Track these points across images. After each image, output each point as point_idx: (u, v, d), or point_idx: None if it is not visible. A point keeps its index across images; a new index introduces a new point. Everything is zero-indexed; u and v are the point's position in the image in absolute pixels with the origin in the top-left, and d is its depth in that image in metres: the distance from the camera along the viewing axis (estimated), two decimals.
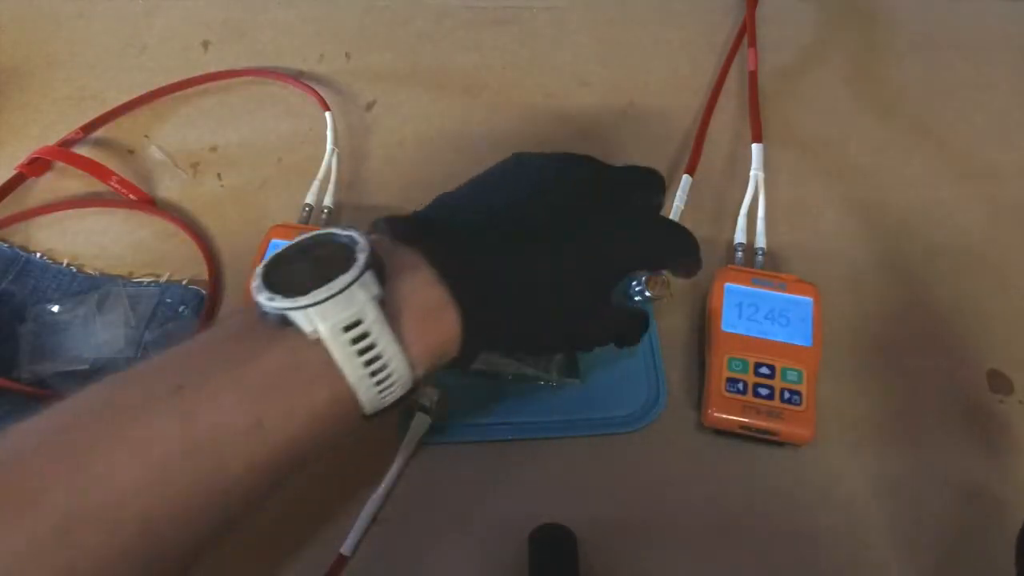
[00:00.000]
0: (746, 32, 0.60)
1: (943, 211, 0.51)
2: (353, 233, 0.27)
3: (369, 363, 0.26)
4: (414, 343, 0.27)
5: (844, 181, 0.52)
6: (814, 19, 0.63)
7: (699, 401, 0.42)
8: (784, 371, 0.40)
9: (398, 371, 0.27)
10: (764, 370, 0.40)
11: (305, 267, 0.27)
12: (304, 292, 0.25)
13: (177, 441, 0.23)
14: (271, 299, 0.25)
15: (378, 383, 0.26)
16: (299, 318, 0.25)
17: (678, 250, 0.36)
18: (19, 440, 0.23)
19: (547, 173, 0.34)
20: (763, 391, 0.39)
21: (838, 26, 0.62)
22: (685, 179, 0.49)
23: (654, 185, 0.37)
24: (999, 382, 0.44)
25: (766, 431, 0.39)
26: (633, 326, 0.37)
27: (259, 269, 0.26)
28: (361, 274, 0.25)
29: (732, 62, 0.58)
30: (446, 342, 0.29)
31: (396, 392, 0.28)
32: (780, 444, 0.40)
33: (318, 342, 0.25)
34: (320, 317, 0.25)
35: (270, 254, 0.28)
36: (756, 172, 0.49)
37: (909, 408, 0.42)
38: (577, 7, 0.63)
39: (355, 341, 0.25)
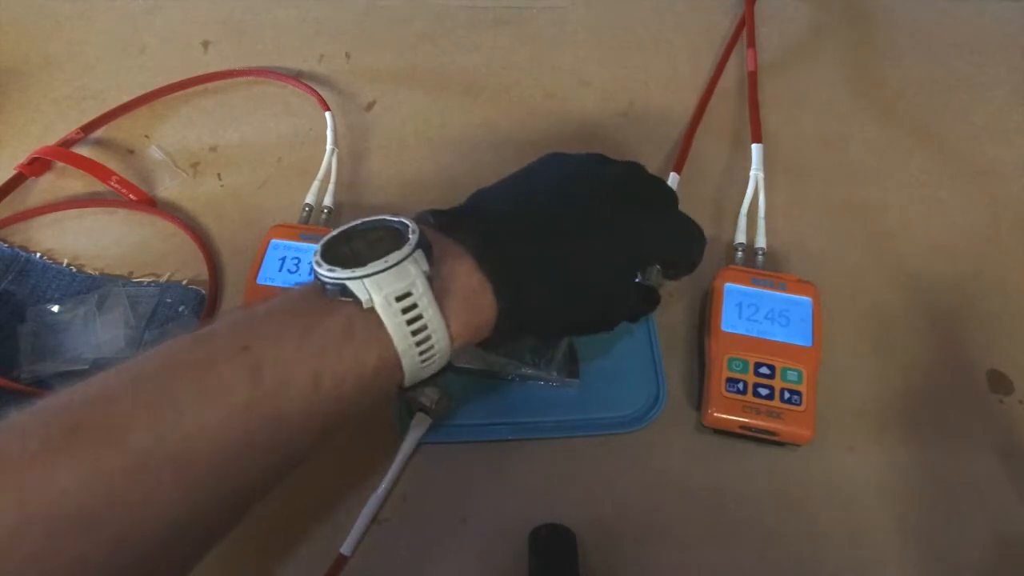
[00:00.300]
0: (744, 32, 0.60)
1: (943, 211, 0.51)
2: (404, 219, 0.30)
3: (416, 332, 0.28)
4: (455, 320, 0.30)
5: (844, 181, 0.52)
6: (814, 19, 0.63)
7: (699, 401, 0.42)
8: (784, 371, 0.40)
9: (440, 343, 0.29)
10: (764, 370, 0.40)
11: (362, 245, 0.30)
12: (362, 265, 0.28)
13: (245, 392, 0.25)
14: (332, 271, 0.28)
15: (421, 353, 0.29)
16: (356, 288, 0.28)
17: (694, 243, 0.39)
18: (105, 383, 0.25)
19: (579, 168, 0.37)
20: (763, 391, 0.40)
21: (838, 26, 0.63)
22: (672, 176, 0.50)
23: (672, 189, 0.40)
24: (999, 382, 0.44)
25: (766, 431, 0.39)
26: (648, 302, 0.39)
27: (319, 246, 0.29)
28: (413, 251, 0.28)
29: (727, 61, 0.58)
30: (482, 323, 0.31)
31: (435, 364, 0.30)
32: (780, 444, 0.40)
33: (372, 311, 0.28)
34: (375, 287, 0.28)
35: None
36: (756, 172, 0.49)
37: (909, 408, 0.42)
38: (577, 7, 0.63)
39: (405, 311, 0.28)
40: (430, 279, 0.29)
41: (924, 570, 0.38)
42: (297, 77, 0.56)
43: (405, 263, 0.28)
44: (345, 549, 0.36)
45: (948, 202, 0.51)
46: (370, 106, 0.56)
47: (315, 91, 0.54)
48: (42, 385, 0.41)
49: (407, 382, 0.30)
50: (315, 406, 0.27)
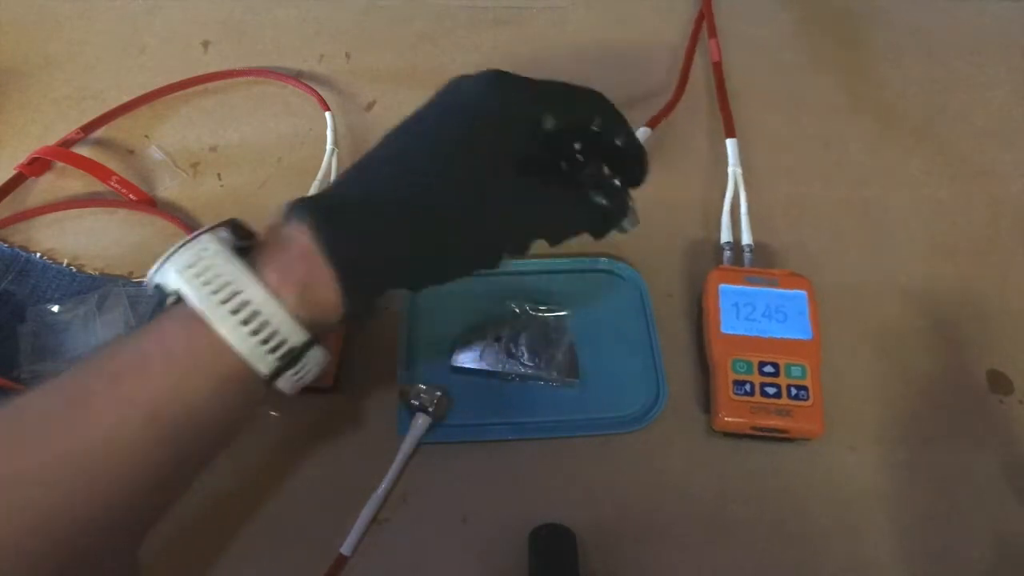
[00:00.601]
0: (704, 22, 0.60)
1: (943, 211, 0.51)
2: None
3: (217, 291, 0.27)
4: (285, 288, 0.28)
5: (844, 181, 0.52)
6: (814, 19, 0.63)
7: (699, 401, 0.42)
8: (788, 367, 0.40)
9: (266, 312, 0.27)
10: (768, 368, 0.40)
11: None
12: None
13: (111, 412, 0.26)
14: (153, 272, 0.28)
15: (244, 322, 0.27)
16: (161, 279, 0.28)
17: (591, 223, 0.35)
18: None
19: (460, 130, 0.32)
20: (770, 390, 0.40)
21: (838, 26, 0.63)
22: (643, 131, 0.50)
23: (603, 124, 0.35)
24: (999, 382, 0.44)
25: (777, 430, 0.39)
26: (607, 216, 0.35)
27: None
28: (211, 228, 0.28)
29: (694, 52, 0.59)
30: (321, 284, 0.29)
31: (279, 337, 0.28)
32: (790, 440, 0.40)
33: (177, 299, 0.28)
34: (171, 265, 0.28)
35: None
36: (734, 168, 0.50)
37: (909, 408, 0.42)
38: (577, 7, 0.63)
39: (200, 275, 0.27)
40: (245, 248, 0.29)
41: (924, 569, 0.38)
42: (297, 77, 0.56)
43: (200, 237, 0.28)
44: (345, 549, 0.36)
45: (948, 202, 0.51)
46: (370, 106, 0.56)
47: (315, 91, 0.54)
48: None
49: (250, 357, 0.27)
50: (145, 394, 0.27)
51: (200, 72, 0.56)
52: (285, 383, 0.30)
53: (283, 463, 0.40)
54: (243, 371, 0.28)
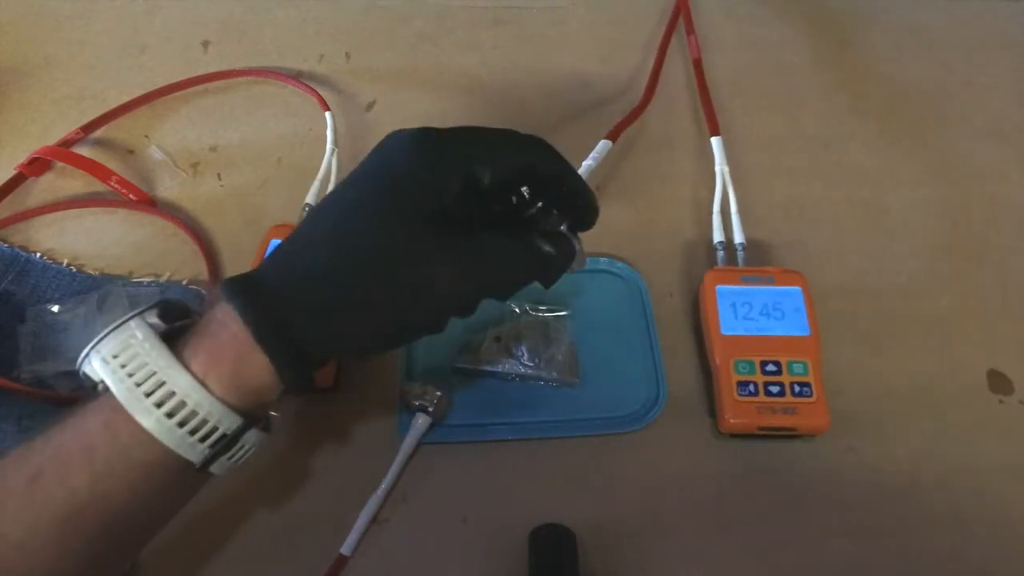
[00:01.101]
0: (680, 18, 0.60)
1: (943, 211, 0.51)
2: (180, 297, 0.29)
3: (141, 383, 0.27)
4: (213, 375, 0.28)
5: (844, 181, 0.52)
6: (814, 20, 0.63)
7: (700, 400, 0.42)
8: (790, 365, 0.40)
9: (193, 400, 0.27)
10: (771, 367, 0.40)
11: None
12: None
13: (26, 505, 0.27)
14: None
15: (169, 414, 0.27)
16: (87, 368, 0.28)
17: (536, 274, 0.34)
18: None
19: (382, 195, 0.30)
20: (774, 389, 0.40)
21: (838, 26, 0.63)
22: (603, 143, 0.49)
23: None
24: (999, 382, 0.44)
25: (784, 428, 0.39)
26: (551, 263, 0.34)
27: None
28: (142, 312, 0.28)
29: (667, 48, 0.59)
30: (255, 371, 0.28)
31: (210, 425, 0.28)
32: (796, 438, 0.41)
33: (105, 387, 0.27)
34: (97, 353, 0.28)
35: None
36: (720, 167, 0.50)
37: (909, 408, 0.42)
38: (577, 7, 0.63)
39: (124, 365, 0.27)
40: (181, 329, 0.29)
41: (924, 569, 0.38)
42: (297, 77, 0.56)
43: (128, 322, 0.28)
44: (345, 549, 0.36)
45: (948, 202, 0.51)
46: (370, 106, 0.56)
47: (315, 91, 0.54)
48: (42, 385, 0.41)
49: (175, 445, 0.27)
50: (53, 499, 0.26)
51: (200, 72, 0.56)
52: (220, 468, 0.29)
53: (283, 463, 0.40)
54: (172, 461, 0.28)
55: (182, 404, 0.27)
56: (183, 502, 0.31)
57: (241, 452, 0.30)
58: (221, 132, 0.54)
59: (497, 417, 0.41)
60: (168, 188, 0.51)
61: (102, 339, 0.28)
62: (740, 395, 0.40)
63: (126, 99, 0.54)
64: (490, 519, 0.38)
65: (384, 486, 0.38)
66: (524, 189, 0.34)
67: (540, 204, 0.34)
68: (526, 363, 0.42)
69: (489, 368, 0.42)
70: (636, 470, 0.40)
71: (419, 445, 0.40)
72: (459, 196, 0.31)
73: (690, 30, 0.60)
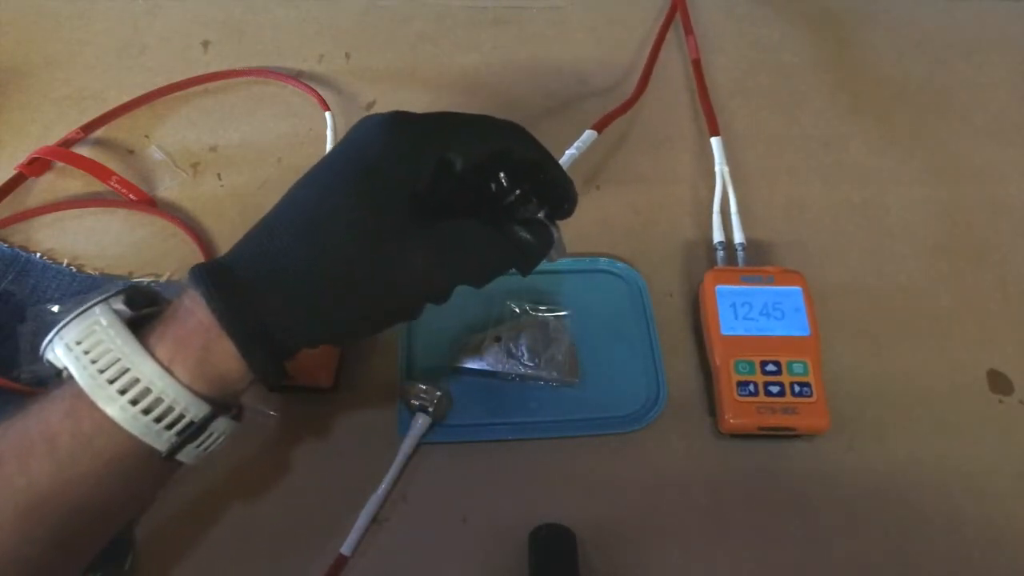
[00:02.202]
0: (676, 18, 0.60)
1: (943, 211, 0.51)
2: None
3: (105, 369, 0.26)
4: (179, 362, 0.27)
5: (844, 181, 0.52)
6: (815, 20, 0.63)
7: (700, 400, 0.42)
8: (790, 364, 0.40)
9: (158, 388, 0.27)
10: (771, 367, 0.40)
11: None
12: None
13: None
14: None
15: (133, 401, 0.26)
16: (51, 355, 0.27)
17: (512, 261, 0.33)
18: None
19: (353, 180, 0.30)
20: (774, 389, 0.40)
21: (839, 26, 0.63)
22: (588, 133, 0.49)
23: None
24: (999, 382, 0.44)
25: (784, 428, 0.39)
26: (529, 249, 0.33)
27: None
28: (107, 298, 0.28)
29: (663, 43, 0.59)
30: (221, 357, 0.28)
31: (176, 412, 0.27)
32: (796, 437, 0.41)
33: (69, 374, 0.27)
34: (61, 340, 0.27)
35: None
36: (720, 167, 0.50)
37: (909, 408, 0.42)
38: (577, 7, 0.63)
39: (88, 351, 0.27)
40: (148, 316, 0.28)
41: (924, 569, 0.38)
42: (297, 77, 0.56)
43: (93, 308, 0.27)
44: (345, 549, 0.36)
45: (948, 202, 0.51)
46: (370, 106, 0.56)
47: (315, 91, 0.54)
48: (42, 385, 0.41)
49: (139, 432, 0.27)
50: (27, 484, 0.26)
51: (200, 72, 0.56)
52: (188, 456, 0.29)
53: (283, 463, 0.40)
54: (137, 449, 0.27)
55: (147, 391, 0.27)
56: (152, 491, 0.30)
57: (210, 440, 0.29)
58: (221, 132, 0.54)
59: (497, 417, 0.41)
60: (168, 188, 0.51)
61: (65, 325, 0.27)
62: (740, 395, 0.40)
63: (126, 99, 0.54)
64: (490, 519, 0.38)
65: (384, 486, 0.38)
66: (502, 176, 0.33)
67: (518, 192, 0.33)
68: (526, 363, 0.42)
69: (489, 368, 0.42)
70: (636, 470, 0.40)
71: (419, 445, 0.40)
72: (433, 181, 0.30)
73: (688, 30, 0.60)
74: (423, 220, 0.30)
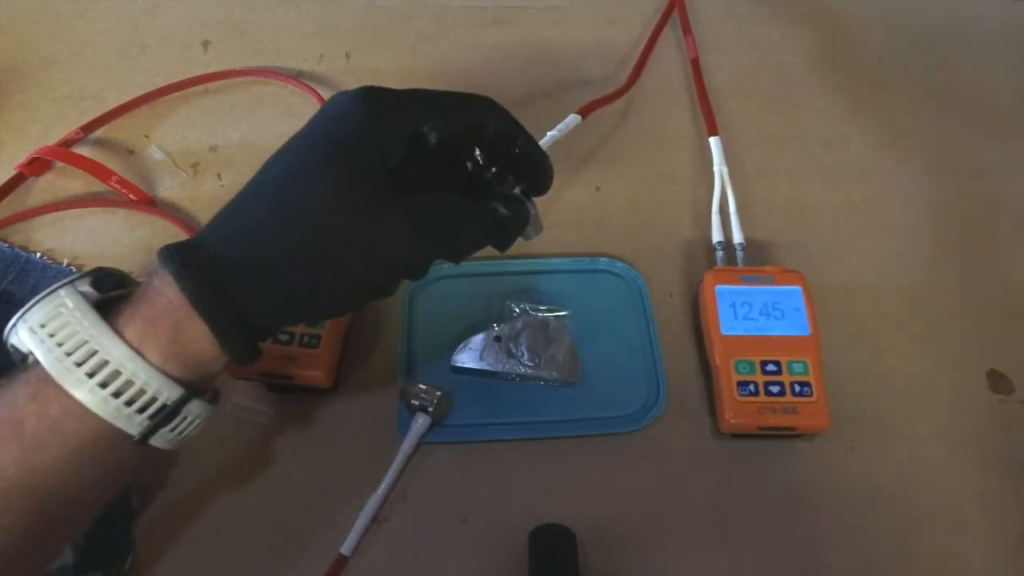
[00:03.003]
0: (677, 17, 0.60)
1: (943, 211, 0.51)
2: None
3: (72, 352, 0.26)
4: (149, 344, 0.27)
5: (844, 181, 0.52)
6: (814, 20, 0.63)
7: (700, 400, 0.42)
8: (790, 364, 0.40)
9: (129, 370, 0.26)
10: (771, 367, 0.40)
11: None
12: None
13: None
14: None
15: (103, 384, 0.26)
16: (15, 339, 0.27)
17: (488, 236, 0.33)
18: None
19: (325, 155, 0.29)
20: (774, 388, 0.40)
21: (839, 26, 0.63)
22: (572, 117, 0.49)
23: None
24: (999, 382, 0.44)
25: (784, 428, 0.39)
26: (504, 225, 0.33)
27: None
28: (72, 280, 0.27)
29: (657, 40, 0.59)
30: (194, 338, 0.27)
31: (148, 395, 0.27)
32: (797, 437, 0.41)
33: (35, 359, 0.26)
34: (25, 323, 0.26)
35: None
36: (719, 167, 0.50)
37: (909, 408, 0.42)
38: (577, 7, 0.63)
39: (53, 334, 0.26)
40: (117, 298, 0.27)
41: (924, 570, 0.38)
42: (297, 77, 0.56)
43: (58, 291, 0.26)
44: (345, 549, 0.36)
45: (948, 202, 0.51)
46: None
47: (315, 91, 0.54)
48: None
49: (110, 416, 0.26)
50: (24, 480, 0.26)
51: (200, 72, 0.56)
52: (161, 440, 0.28)
53: (283, 463, 0.40)
54: (108, 433, 0.27)
55: (116, 374, 0.26)
56: (127, 475, 0.30)
57: (184, 424, 0.29)
58: (221, 132, 0.54)
59: (497, 417, 0.41)
60: (168, 188, 0.51)
61: (29, 308, 0.27)
62: (740, 395, 0.40)
63: (126, 99, 0.54)
64: (490, 519, 0.38)
65: (384, 486, 0.38)
66: (478, 153, 0.33)
67: (494, 169, 0.33)
68: (526, 363, 0.42)
69: (489, 368, 0.42)
70: (636, 470, 0.40)
71: (419, 445, 0.40)
72: (408, 155, 0.30)
73: (687, 29, 0.60)
74: (398, 195, 0.29)
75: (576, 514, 0.38)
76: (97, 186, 0.50)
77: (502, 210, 0.33)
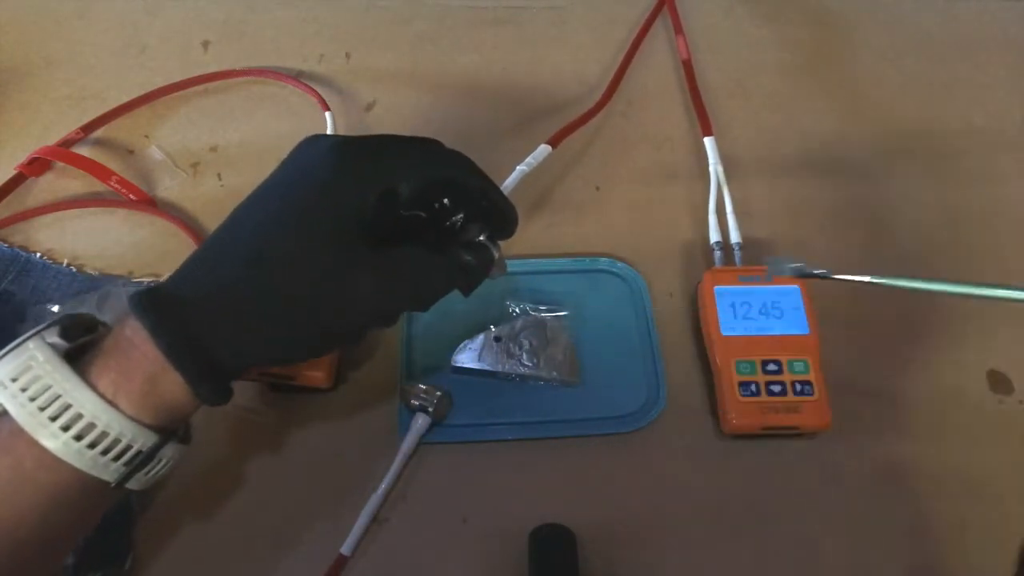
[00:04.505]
0: (660, 16, 0.60)
1: (943, 211, 0.51)
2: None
3: (46, 407, 0.26)
4: (123, 395, 0.27)
5: (843, 181, 0.52)
6: (814, 20, 0.63)
7: (700, 400, 0.42)
8: (791, 363, 0.40)
9: (103, 422, 0.26)
10: (772, 367, 0.40)
11: None
12: None
13: None
14: None
15: (78, 436, 0.26)
16: None
17: (454, 282, 0.34)
18: None
19: (298, 208, 0.30)
20: (776, 388, 0.40)
21: (839, 27, 0.63)
22: (542, 148, 0.48)
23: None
24: (999, 382, 0.44)
25: (787, 427, 0.39)
26: (466, 273, 0.34)
27: None
28: (41, 331, 0.27)
29: (640, 45, 0.59)
30: (167, 386, 0.28)
31: (123, 444, 0.27)
32: (799, 436, 0.41)
33: (4, 411, 0.26)
34: None
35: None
36: (715, 167, 0.50)
37: (909, 408, 0.42)
38: (577, 7, 0.63)
39: (25, 388, 0.26)
40: (86, 345, 0.28)
41: (924, 570, 0.38)
42: (297, 77, 0.56)
43: (27, 343, 0.27)
44: (345, 549, 0.36)
45: (948, 202, 0.51)
46: (370, 106, 0.56)
47: (315, 91, 0.54)
48: None
49: (85, 467, 0.26)
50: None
51: (200, 72, 0.56)
52: (136, 483, 0.29)
53: (283, 463, 0.40)
54: (84, 481, 0.27)
55: (91, 426, 0.26)
56: (98, 518, 0.30)
57: (159, 466, 0.29)
58: (221, 132, 0.54)
59: (497, 417, 0.41)
60: (168, 188, 0.51)
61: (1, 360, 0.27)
62: (742, 395, 0.40)
63: (126, 99, 0.54)
64: (490, 519, 0.38)
65: (384, 486, 0.38)
66: (445, 201, 0.34)
67: (460, 216, 0.35)
68: (526, 363, 0.42)
69: (489, 368, 0.42)
70: (636, 470, 0.40)
71: (419, 445, 0.40)
72: (379, 208, 0.30)
73: (678, 30, 0.60)
74: (369, 247, 0.30)
75: (576, 514, 0.38)
76: (97, 186, 0.50)
77: (467, 257, 0.34)
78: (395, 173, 0.31)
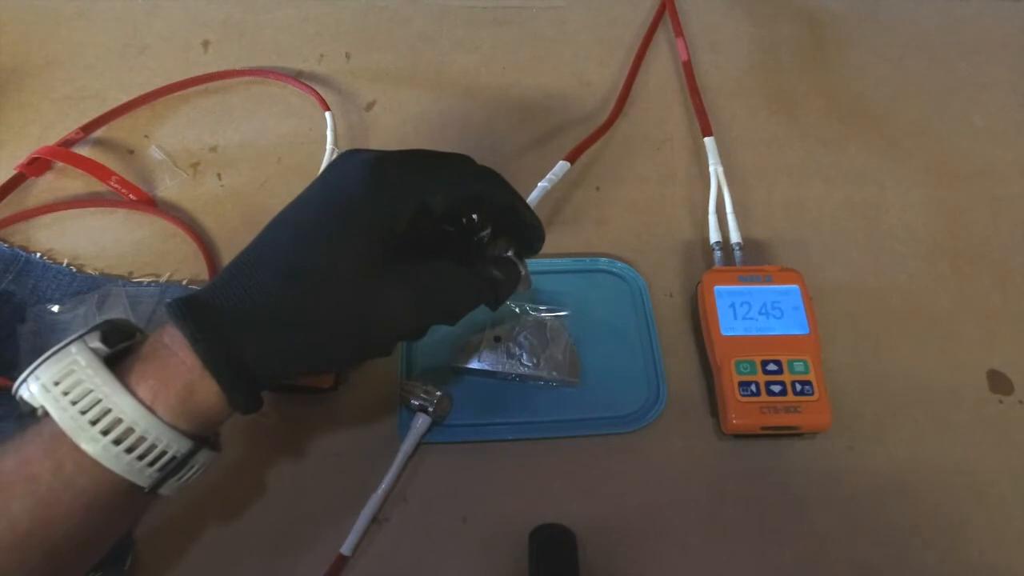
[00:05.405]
0: (662, 20, 0.60)
1: (943, 211, 0.51)
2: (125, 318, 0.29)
3: (86, 411, 0.26)
4: (161, 401, 0.28)
5: (843, 181, 0.52)
6: (814, 20, 0.63)
7: (700, 400, 0.42)
8: (791, 363, 0.40)
9: (141, 427, 0.27)
10: (772, 367, 0.40)
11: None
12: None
13: None
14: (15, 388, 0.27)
15: (116, 441, 0.27)
16: (26, 393, 0.27)
17: (483, 297, 0.35)
18: None
19: (334, 222, 0.30)
20: (776, 388, 0.40)
21: (839, 27, 0.63)
22: (561, 164, 0.48)
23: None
24: (999, 382, 0.44)
25: (787, 427, 0.39)
26: (494, 289, 0.35)
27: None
28: (83, 335, 0.28)
29: (644, 55, 0.59)
30: (203, 393, 0.29)
31: (159, 450, 0.28)
32: (799, 436, 0.41)
33: (45, 412, 0.27)
34: (37, 379, 0.27)
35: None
36: (714, 167, 0.50)
37: (909, 408, 0.42)
38: (577, 7, 0.63)
39: (67, 392, 0.27)
40: (125, 350, 0.28)
41: (924, 570, 0.38)
42: (297, 77, 0.56)
43: (69, 347, 0.27)
44: (345, 549, 0.36)
45: (948, 202, 0.51)
46: (370, 106, 0.56)
47: (315, 91, 0.54)
48: None
49: (121, 470, 0.27)
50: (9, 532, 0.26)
51: (200, 72, 0.56)
52: (168, 489, 0.29)
53: (284, 463, 0.40)
54: (120, 485, 0.28)
55: (130, 431, 0.27)
56: (131, 522, 0.31)
57: (191, 473, 0.30)
58: (221, 132, 0.54)
59: (497, 417, 0.41)
60: (168, 188, 0.51)
61: (40, 364, 0.27)
62: (742, 395, 0.40)
63: (126, 99, 0.54)
64: (490, 519, 0.38)
65: (384, 486, 0.38)
66: (475, 216, 0.35)
67: (489, 230, 0.35)
68: (526, 363, 0.42)
69: (489, 368, 0.42)
70: (636, 470, 0.40)
71: (419, 445, 0.40)
72: (411, 223, 0.31)
73: (678, 32, 0.60)
74: (401, 262, 0.31)
75: (576, 514, 0.38)
76: (97, 186, 0.50)
77: (496, 273, 0.35)
78: (428, 189, 0.32)
